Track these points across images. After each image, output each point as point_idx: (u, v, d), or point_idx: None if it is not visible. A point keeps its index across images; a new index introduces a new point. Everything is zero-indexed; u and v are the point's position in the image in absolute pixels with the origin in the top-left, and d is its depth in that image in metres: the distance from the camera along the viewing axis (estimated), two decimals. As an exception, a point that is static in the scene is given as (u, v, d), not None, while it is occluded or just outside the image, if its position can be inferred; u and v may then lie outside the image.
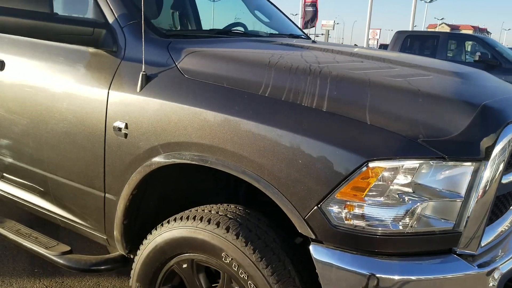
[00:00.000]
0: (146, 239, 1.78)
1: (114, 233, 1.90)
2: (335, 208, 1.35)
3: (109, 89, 1.79)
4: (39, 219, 2.38)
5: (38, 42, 2.08)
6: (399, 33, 11.79)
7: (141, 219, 1.93)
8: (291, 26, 3.08)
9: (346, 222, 1.35)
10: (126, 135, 1.74)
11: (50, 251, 2.05)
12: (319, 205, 1.36)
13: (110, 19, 1.90)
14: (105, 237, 1.99)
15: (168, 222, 1.72)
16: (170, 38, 1.91)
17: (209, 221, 1.59)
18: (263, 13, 3.21)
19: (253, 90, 1.53)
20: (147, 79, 1.71)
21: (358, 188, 1.32)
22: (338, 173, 1.32)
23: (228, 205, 1.71)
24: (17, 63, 2.15)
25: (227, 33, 2.29)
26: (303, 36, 2.85)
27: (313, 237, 1.39)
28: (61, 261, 2.01)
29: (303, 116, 1.42)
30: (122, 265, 2.06)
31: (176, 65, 1.72)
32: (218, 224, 1.57)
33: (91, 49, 1.92)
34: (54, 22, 1.79)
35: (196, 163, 1.58)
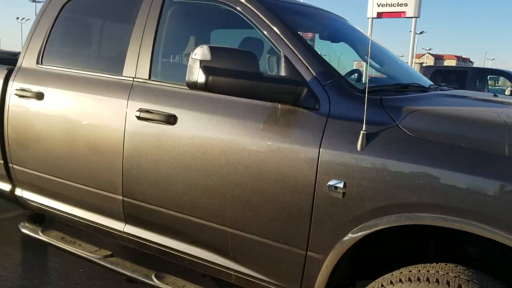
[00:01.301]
0: (362, 300, 1.75)
1: (314, 292, 1.87)
2: None
3: (319, 148, 1.79)
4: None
5: (213, 97, 2.08)
6: (426, 68, 12.04)
7: (336, 277, 1.89)
8: (415, 72, 3.12)
9: None
10: (344, 194, 1.73)
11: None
12: None
13: (307, 77, 1.92)
14: (298, 296, 1.95)
15: (391, 283, 1.68)
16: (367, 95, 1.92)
17: (448, 283, 1.57)
18: (373, 58, 3.26)
19: (497, 151, 1.54)
20: (367, 138, 1.72)
21: None
22: None
23: (446, 265, 1.69)
24: (191, 118, 2.15)
25: (406, 87, 2.32)
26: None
27: None
28: None
29: None
30: None
31: (397, 124, 1.72)
32: (460, 287, 1.55)
33: (283, 106, 1.93)
34: (263, 81, 1.82)
35: (439, 225, 1.57)
